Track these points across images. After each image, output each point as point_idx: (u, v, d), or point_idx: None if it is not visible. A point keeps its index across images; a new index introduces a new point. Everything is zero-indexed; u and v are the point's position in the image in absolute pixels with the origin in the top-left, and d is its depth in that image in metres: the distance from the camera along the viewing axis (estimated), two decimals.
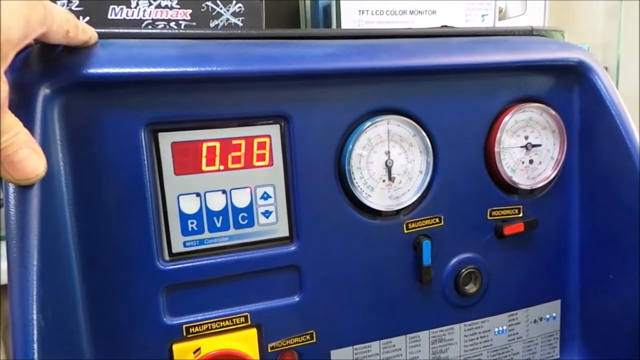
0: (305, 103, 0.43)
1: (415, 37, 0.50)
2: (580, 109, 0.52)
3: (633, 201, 0.48)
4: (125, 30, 0.41)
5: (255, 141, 0.42)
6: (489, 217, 0.50)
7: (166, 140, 0.39)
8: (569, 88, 0.51)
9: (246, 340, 0.42)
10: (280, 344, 0.44)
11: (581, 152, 0.53)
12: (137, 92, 0.38)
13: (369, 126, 0.45)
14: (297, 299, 0.44)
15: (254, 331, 0.43)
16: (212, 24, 0.67)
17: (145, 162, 0.38)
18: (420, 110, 0.47)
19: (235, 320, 0.42)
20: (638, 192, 0.48)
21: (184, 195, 0.40)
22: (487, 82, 0.49)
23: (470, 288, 0.50)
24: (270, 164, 0.42)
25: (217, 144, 0.41)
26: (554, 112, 0.51)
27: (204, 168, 0.40)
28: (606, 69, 1.15)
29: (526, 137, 0.51)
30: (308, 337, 0.45)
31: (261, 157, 0.42)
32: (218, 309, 0.42)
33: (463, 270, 0.50)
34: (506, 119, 0.49)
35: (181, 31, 0.44)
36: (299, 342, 0.45)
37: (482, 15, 0.95)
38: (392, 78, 0.45)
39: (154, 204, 0.39)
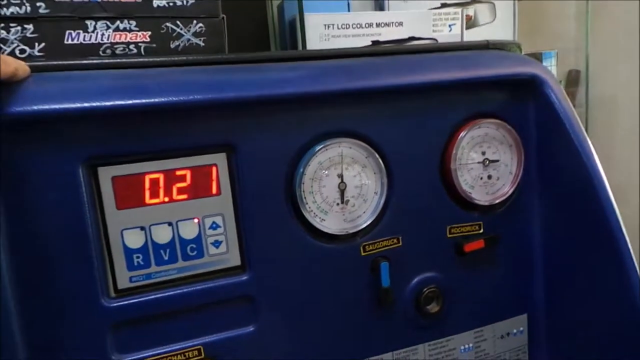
0: (252, 129, 0.42)
1: (368, 55, 0.50)
2: (536, 123, 0.52)
3: (591, 213, 0.48)
4: (60, 62, 0.40)
5: (201, 171, 0.41)
6: (448, 235, 0.50)
7: (106, 174, 0.38)
8: (524, 102, 0.51)
9: None
10: None
11: (540, 166, 0.53)
12: (72, 128, 0.37)
13: (319, 150, 0.44)
14: (251, 329, 0.43)
15: None
16: (172, 45, 0.66)
17: (85, 198, 0.37)
18: (373, 131, 0.46)
19: (188, 354, 0.41)
20: (594, 204, 0.47)
21: (127, 229, 0.39)
22: (440, 99, 0.48)
23: (432, 308, 0.49)
24: (218, 193, 0.41)
25: (161, 176, 0.40)
26: (510, 127, 0.50)
27: (148, 201, 0.39)
28: (578, 72, 1.17)
29: (483, 153, 0.51)
30: None
31: (208, 187, 0.41)
32: (170, 343, 0.41)
33: (424, 290, 0.49)
34: (462, 135, 0.49)
35: (123, 60, 0.43)
36: None
37: (449, 25, 0.95)
38: (341, 100, 0.45)
39: (96, 240, 0.38)
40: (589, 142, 0.49)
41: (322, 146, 0.44)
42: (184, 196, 0.40)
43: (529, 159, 0.52)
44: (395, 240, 0.48)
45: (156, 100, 0.38)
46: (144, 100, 0.37)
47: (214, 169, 0.41)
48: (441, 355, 0.51)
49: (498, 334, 0.53)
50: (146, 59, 0.43)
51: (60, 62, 0.39)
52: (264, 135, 0.42)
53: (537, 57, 0.99)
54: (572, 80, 1.15)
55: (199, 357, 0.42)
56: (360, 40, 0.82)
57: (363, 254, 0.47)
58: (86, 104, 0.36)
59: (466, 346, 0.52)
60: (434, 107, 0.48)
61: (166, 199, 0.40)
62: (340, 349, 0.47)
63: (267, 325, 0.44)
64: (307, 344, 0.45)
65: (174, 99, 0.38)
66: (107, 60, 0.42)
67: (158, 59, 0.43)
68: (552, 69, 1.02)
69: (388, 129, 0.47)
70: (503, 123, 0.50)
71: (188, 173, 0.40)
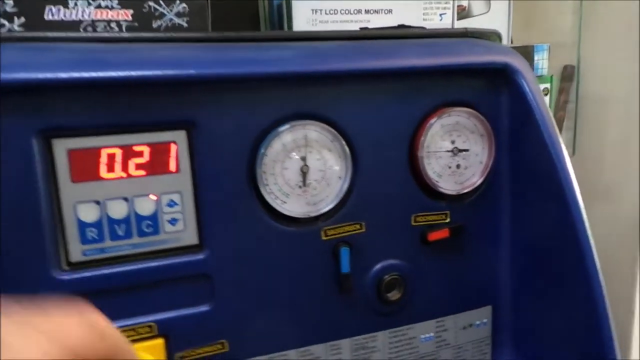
0: (213, 108, 0.41)
1: (341, 39, 0.49)
2: (508, 112, 0.51)
3: (558, 208, 0.48)
4: (27, 34, 0.39)
5: (160, 148, 0.40)
6: (413, 223, 0.50)
7: (61, 147, 0.38)
8: (497, 91, 0.51)
9: (152, 351, 0.42)
10: (189, 353, 0.43)
11: (511, 156, 0.52)
12: (27, 99, 0.36)
13: (283, 131, 0.44)
14: (207, 308, 0.43)
15: (160, 341, 0.42)
16: (154, 25, 0.65)
17: (39, 170, 0.37)
18: (340, 115, 0.46)
19: (140, 331, 0.41)
20: (561, 199, 0.47)
21: (82, 203, 0.39)
22: (411, 86, 0.48)
23: (394, 295, 0.49)
24: (177, 170, 0.41)
25: (118, 151, 0.39)
26: (481, 117, 0.50)
27: (104, 175, 0.39)
28: (573, 67, 1.15)
29: (453, 142, 0.50)
30: (219, 346, 0.44)
31: (167, 164, 0.41)
32: (122, 318, 0.41)
33: (386, 277, 0.49)
34: (431, 122, 0.48)
35: (92, 34, 0.43)
36: (210, 352, 0.44)
37: (440, 15, 0.94)
38: (307, 82, 0.44)
39: (49, 212, 0.38)
40: (559, 137, 0.48)
41: (285, 128, 0.44)
42: (142, 172, 0.40)
43: (501, 149, 0.52)
44: (358, 226, 0.47)
45: (115, 74, 0.37)
46: (101, 74, 0.37)
47: (173, 146, 0.41)
48: (401, 344, 0.51)
49: (460, 324, 0.53)
50: (112, 35, 0.42)
51: (26, 35, 0.39)
52: (226, 114, 0.42)
53: (529, 50, 0.98)
54: (567, 75, 1.14)
55: (150, 334, 0.42)
56: (348, 27, 0.82)
57: (324, 238, 0.46)
58: (41, 75, 0.35)
59: (427, 335, 0.52)
60: (404, 93, 0.48)
61: (123, 174, 0.40)
62: (298, 333, 0.47)
63: (223, 306, 0.44)
64: (263, 326, 0.45)
65: (133, 73, 0.38)
66: (70, 34, 0.41)
67: (133, 35, 0.43)
68: (544, 63, 1.01)
69: (356, 114, 0.46)
70: (475, 112, 0.50)
71: (146, 149, 0.40)
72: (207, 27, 0.66)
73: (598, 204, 1.10)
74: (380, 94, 0.47)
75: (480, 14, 1.01)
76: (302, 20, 0.84)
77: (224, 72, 0.41)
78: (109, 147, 0.39)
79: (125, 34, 0.44)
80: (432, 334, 0.52)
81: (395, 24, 0.84)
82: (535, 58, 1.00)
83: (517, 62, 0.49)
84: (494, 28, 1.01)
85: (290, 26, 0.81)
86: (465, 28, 0.55)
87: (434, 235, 0.50)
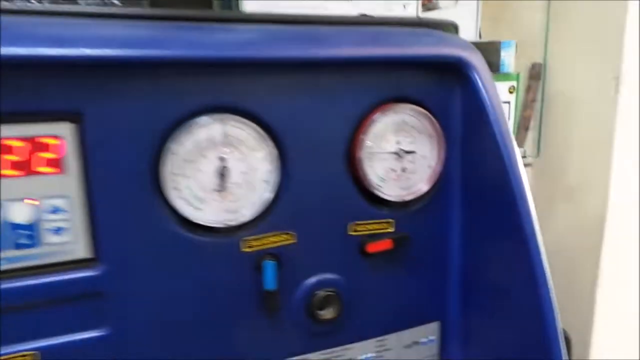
0: (109, 97, 0.35)
1: (279, 22, 0.43)
2: (461, 112, 0.46)
3: (510, 218, 0.43)
4: None
5: (39, 143, 0.34)
6: (352, 233, 0.44)
7: None
8: (449, 88, 0.45)
9: None
10: None
11: (463, 160, 0.47)
12: None
13: (197, 126, 0.37)
14: (101, 333, 0.37)
15: None
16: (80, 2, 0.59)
17: None
18: (267, 110, 0.39)
19: None
20: (512, 209, 0.42)
21: None
22: (351, 78, 0.42)
23: (328, 313, 0.44)
24: (62, 170, 0.34)
25: None
26: (431, 116, 0.45)
27: None
28: (541, 65, 1.12)
29: (398, 142, 0.45)
30: None
31: (49, 162, 0.34)
32: None
33: (320, 293, 0.43)
34: (373, 120, 0.43)
35: None
36: None
37: (404, 5, 0.89)
38: (227, 71, 0.38)
39: None
40: (512, 141, 0.43)
41: (199, 123, 0.37)
42: (17, 172, 0.33)
43: (452, 153, 0.47)
44: (287, 237, 0.42)
45: None
46: None
47: (57, 141, 0.34)
48: None
49: (404, 342, 0.48)
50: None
51: None
52: (125, 105, 0.35)
53: (496, 46, 0.94)
54: (535, 74, 1.11)
55: None
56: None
57: (246, 250, 0.40)
58: None
59: (367, 356, 0.47)
60: (343, 86, 0.42)
61: None
62: (216, 357, 0.41)
63: (122, 330, 0.37)
64: (170, 354, 0.39)
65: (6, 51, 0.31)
66: None
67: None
68: (510, 60, 0.97)
69: (285, 109, 0.40)
70: (423, 110, 0.44)
71: (21, 144, 0.33)
72: (144, 4, 0.60)
73: (562, 204, 1.08)
74: (316, 86, 0.41)
75: (447, 7, 0.97)
76: (254, 3, 0.77)
77: (122, 54, 0.34)
78: None
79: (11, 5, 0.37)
80: (372, 354, 0.47)
81: (355, 13, 0.78)
82: (502, 54, 0.96)
83: (473, 56, 0.44)
84: (463, 22, 0.96)
85: (238, 6, 0.74)
86: (419, 16, 0.49)
87: (374, 246, 0.44)
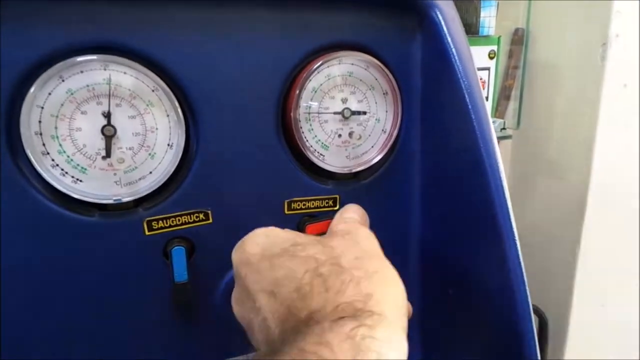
0: None
1: None
2: (422, 64, 0.38)
3: (480, 193, 0.36)
4: None
5: None
6: (287, 212, 0.36)
7: None
8: (408, 34, 0.37)
9: None
10: None
11: (424, 124, 0.39)
12: None
13: (69, 71, 0.28)
14: None
15: None
16: None
17: None
18: (167, 51, 0.30)
19: None
20: (485, 181, 0.35)
21: None
22: (283, 17, 0.33)
23: None
24: None
25: None
26: (385, 68, 0.36)
27: None
28: (524, 31, 1.04)
29: (344, 100, 0.36)
30: None
31: None
32: None
33: None
34: (312, 71, 0.34)
35: None
36: None
37: None
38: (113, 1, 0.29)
39: None
40: (482, 99, 0.35)
41: (72, 67, 0.28)
42: None
43: (412, 113, 0.39)
44: (201, 216, 0.33)
45: None
46: None
47: None
48: None
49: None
50: None
51: None
52: None
53: (475, 5, 0.85)
54: (518, 39, 1.03)
55: None
56: None
57: (148, 232, 0.32)
58: None
59: None
60: (272, 28, 0.33)
61: None
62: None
63: None
64: (57, 354, 0.31)
65: None
66: None
67: None
68: (491, 21, 0.88)
69: (194, 52, 0.31)
70: (375, 61, 0.36)
71: None
72: None
73: (542, 178, 1.03)
74: (233, 24, 0.32)
75: None
76: None
77: None
78: None
79: None
80: None
81: None
82: (482, 15, 0.88)
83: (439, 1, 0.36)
84: None
85: None
86: None
87: (314, 228, 0.37)
